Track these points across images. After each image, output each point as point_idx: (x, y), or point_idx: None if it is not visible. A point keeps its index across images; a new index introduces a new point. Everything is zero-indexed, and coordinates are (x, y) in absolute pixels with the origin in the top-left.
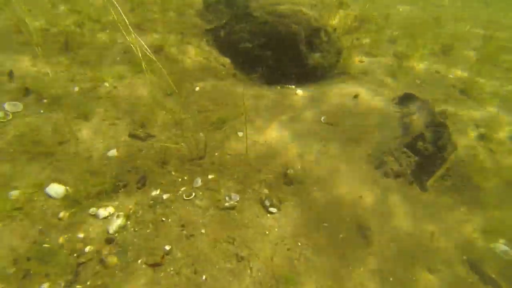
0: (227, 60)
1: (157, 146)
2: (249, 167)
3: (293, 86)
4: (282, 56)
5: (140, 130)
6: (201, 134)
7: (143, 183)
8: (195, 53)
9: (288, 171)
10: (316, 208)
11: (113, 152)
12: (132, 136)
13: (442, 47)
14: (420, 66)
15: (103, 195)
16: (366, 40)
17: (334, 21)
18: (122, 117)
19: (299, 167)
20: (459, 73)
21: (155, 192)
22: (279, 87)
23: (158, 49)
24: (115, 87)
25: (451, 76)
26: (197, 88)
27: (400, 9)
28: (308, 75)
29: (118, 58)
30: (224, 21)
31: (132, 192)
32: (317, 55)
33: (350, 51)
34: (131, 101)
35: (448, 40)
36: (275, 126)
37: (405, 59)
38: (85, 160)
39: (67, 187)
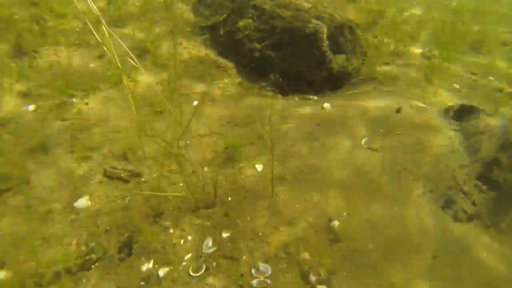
0: (229, 65)
1: (146, 190)
2: (278, 218)
3: (315, 97)
4: (299, 59)
5: (120, 169)
6: (205, 168)
7: (128, 251)
8: (190, 57)
9: (332, 224)
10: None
11: (83, 202)
12: (110, 175)
13: (471, 44)
14: (453, 67)
15: (65, 277)
16: (386, 39)
17: (349, 16)
18: (96, 148)
19: (345, 214)
20: (500, 73)
21: (146, 266)
22: (297, 98)
23: (142, 52)
24: (86, 104)
25: (491, 78)
26: (195, 103)
27: (414, 2)
28: (330, 83)
29: (91, 65)
30: (224, 15)
31: (111, 267)
32: (341, 57)
33: (375, 52)
34: (108, 124)
35: (475, 35)
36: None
37: (435, 60)
38: (39, 217)
39: (4, 272)
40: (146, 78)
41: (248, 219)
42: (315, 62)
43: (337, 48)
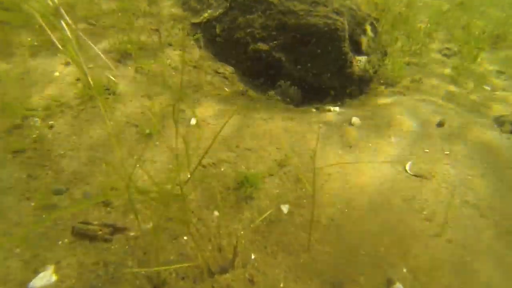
0: (228, 69)
1: (138, 250)
2: (318, 280)
3: (337, 108)
4: (315, 63)
5: (96, 224)
6: (216, 213)
7: None
8: (181, 59)
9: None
10: None
11: (45, 279)
12: (83, 233)
13: (491, 40)
14: (476, 66)
15: None
16: (396, 34)
17: None
18: (63, 190)
19: (405, 270)
20: None
21: None
22: (314, 110)
23: (122, 58)
24: (50, 127)
25: None
26: (193, 121)
27: None
28: (350, 89)
29: (56, 73)
30: (220, 10)
31: None
32: (363, 59)
33: (396, 52)
34: (80, 154)
35: (492, 29)
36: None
37: (458, 59)
38: None
39: None
40: (128, 90)
41: (282, 286)
42: (334, 66)
43: (358, 49)
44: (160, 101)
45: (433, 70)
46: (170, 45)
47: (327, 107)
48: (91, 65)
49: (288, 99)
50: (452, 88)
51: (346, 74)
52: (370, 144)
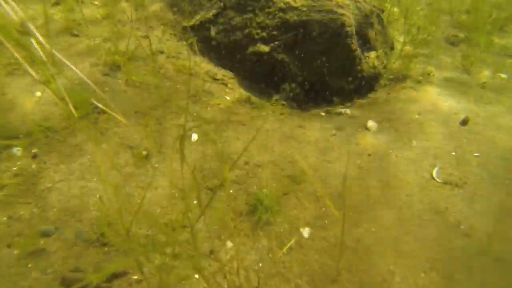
0: (227, 74)
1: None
2: None
3: (348, 110)
4: (321, 63)
5: (78, 274)
6: (229, 243)
7: None
8: (176, 69)
9: None
10: None
11: None
12: (68, 284)
13: (499, 23)
14: (487, 54)
15: None
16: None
17: None
18: (51, 232)
19: None
20: None
21: None
22: (323, 113)
23: (111, 70)
24: (34, 157)
25: None
26: (195, 137)
27: None
28: (359, 87)
29: (38, 93)
30: (214, 11)
31: None
32: (372, 55)
33: (399, 43)
34: (70, 188)
35: (498, 12)
36: (369, 214)
37: (466, 46)
38: None
39: None
40: (120, 106)
41: None
42: (342, 64)
43: (366, 44)
44: (156, 116)
45: (442, 60)
46: (162, 52)
47: (337, 110)
48: (76, 82)
49: (294, 103)
50: (466, 78)
51: (355, 72)
52: (390, 151)
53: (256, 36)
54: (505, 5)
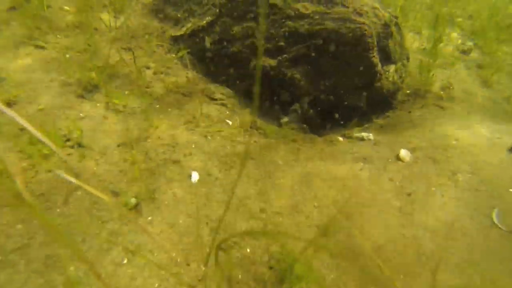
0: (225, 92)
1: None
2: None
3: (371, 135)
4: (337, 79)
5: None
6: None
7: None
8: (165, 87)
9: None
10: None
11: None
12: None
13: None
14: (503, 63)
15: None
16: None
17: None
18: None
19: None
20: None
21: None
22: (341, 138)
23: (87, 92)
24: None
25: None
26: (195, 177)
27: None
28: (375, 105)
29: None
30: (208, 18)
31: None
32: (391, 68)
33: (413, 53)
34: (30, 256)
35: (501, 17)
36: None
37: (478, 54)
38: None
39: None
40: (99, 137)
41: None
42: (361, 81)
43: (385, 56)
44: (145, 150)
45: (458, 71)
46: (148, 67)
47: (357, 134)
48: (41, 106)
49: (306, 126)
50: (488, 92)
51: (375, 89)
52: (433, 189)
53: (260, 48)
54: (504, 9)
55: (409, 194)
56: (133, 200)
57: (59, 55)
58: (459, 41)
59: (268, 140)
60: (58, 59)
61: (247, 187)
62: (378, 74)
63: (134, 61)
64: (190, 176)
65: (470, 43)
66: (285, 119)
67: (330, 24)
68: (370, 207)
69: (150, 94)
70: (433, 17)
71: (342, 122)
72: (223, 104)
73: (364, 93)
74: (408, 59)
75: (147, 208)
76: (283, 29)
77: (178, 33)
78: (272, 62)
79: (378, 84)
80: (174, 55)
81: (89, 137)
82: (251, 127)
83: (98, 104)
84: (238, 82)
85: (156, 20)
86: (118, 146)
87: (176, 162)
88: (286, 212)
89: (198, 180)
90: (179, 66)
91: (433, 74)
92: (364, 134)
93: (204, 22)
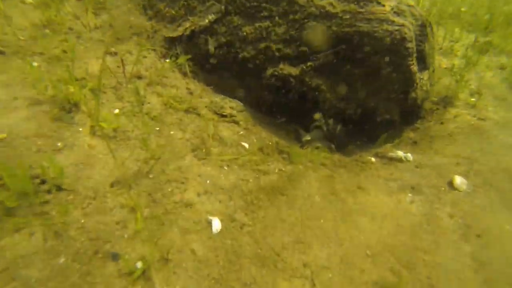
0: (235, 105)
1: None
2: None
3: (409, 155)
4: (369, 90)
5: None
6: None
7: None
8: (164, 102)
9: None
10: None
11: None
12: None
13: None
14: None
15: None
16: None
17: None
18: None
19: None
20: None
21: None
22: (373, 159)
23: (64, 112)
24: None
25: None
26: (217, 225)
27: None
28: (407, 117)
29: None
30: (211, 16)
31: None
32: (425, 76)
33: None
34: None
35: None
36: None
37: (494, 54)
38: None
39: None
40: (84, 175)
41: None
42: (397, 91)
43: (421, 62)
44: (147, 191)
45: (481, 74)
46: (139, 77)
47: (392, 153)
48: (2, 135)
49: (332, 145)
50: None
51: (410, 100)
52: (508, 227)
53: (277, 53)
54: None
55: (478, 236)
56: (139, 265)
57: (23, 64)
58: (479, 41)
59: (294, 166)
60: (22, 69)
61: (282, 234)
62: (415, 84)
63: (123, 71)
64: (209, 223)
65: (481, 40)
66: (307, 137)
67: (363, 26)
68: (434, 254)
69: (146, 112)
70: (448, 14)
71: (369, 136)
72: (234, 122)
73: (403, 106)
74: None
75: (159, 274)
76: (305, 31)
77: (174, 34)
78: (294, 71)
79: (413, 94)
80: (169, 61)
81: (72, 176)
82: (272, 151)
83: (80, 129)
84: (250, 92)
85: (145, 18)
86: (112, 186)
87: (189, 205)
88: (335, 265)
89: (221, 230)
90: (177, 75)
91: (466, 80)
92: (400, 154)
93: (207, 21)
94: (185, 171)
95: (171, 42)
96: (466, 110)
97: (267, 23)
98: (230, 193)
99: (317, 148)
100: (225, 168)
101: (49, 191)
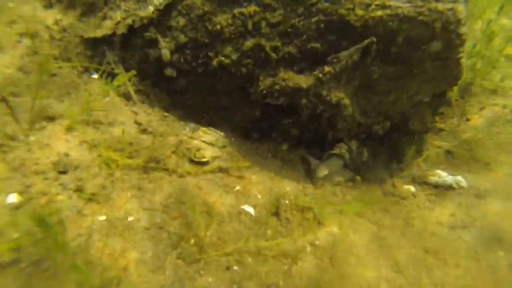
0: (215, 139)
1: None
2: None
3: (461, 180)
4: (395, 93)
5: None
6: None
7: None
8: (97, 157)
9: None
10: None
11: None
12: None
13: None
14: None
15: None
16: None
17: None
18: None
19: None
20: None
21: None
22: (413, 189)
23: None
24: None
25: None
26: None
27: None
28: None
29: None
30: (158, 1)
31: None
32: None
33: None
34: None
35: None
36: None
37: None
38: None
39: None
40: None
41: None
42: (436, 90)
43: None
44: None
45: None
46: (51, 119)
47: (433, 177)
48: None
49: (357, 176)
50: None
51: (446, 100)
52: None
53: (274, 55)
54: None
55: None
56: None
57: None
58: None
59: (328, 232)
60: None
61: None
62: (457, 81)
63: (12, 113)
64: None
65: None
66: (324, 171)
67: (402, 7)
68: None
69: (67, 197)
70: None
71: (394, 157)
72: (221, 170)
73: (432, 109)
74: None
75: None
76: (314, 19)
77: (98, 34)
78: (304, 82)
79: (451, 93)
80: (100, 80)
81: None
82: (297, 211)
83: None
84: (231, 115)
85: (50, 10)
86: None
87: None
88: None
89: None
90: (115, 102)
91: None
92: (446, 176)
93: (151, 9)
94: None
95: (95, 46)
96: (490, 98)
97: (253, 7)
98: None
99: (338, 184)
100: (234, 269)
101: None
